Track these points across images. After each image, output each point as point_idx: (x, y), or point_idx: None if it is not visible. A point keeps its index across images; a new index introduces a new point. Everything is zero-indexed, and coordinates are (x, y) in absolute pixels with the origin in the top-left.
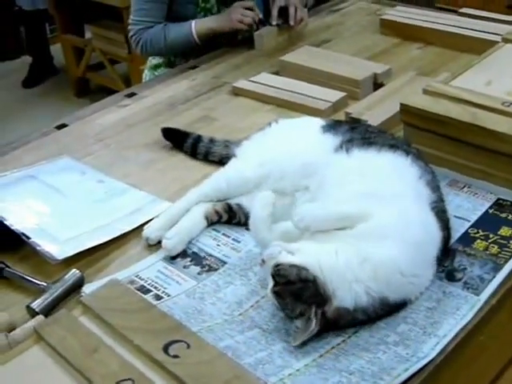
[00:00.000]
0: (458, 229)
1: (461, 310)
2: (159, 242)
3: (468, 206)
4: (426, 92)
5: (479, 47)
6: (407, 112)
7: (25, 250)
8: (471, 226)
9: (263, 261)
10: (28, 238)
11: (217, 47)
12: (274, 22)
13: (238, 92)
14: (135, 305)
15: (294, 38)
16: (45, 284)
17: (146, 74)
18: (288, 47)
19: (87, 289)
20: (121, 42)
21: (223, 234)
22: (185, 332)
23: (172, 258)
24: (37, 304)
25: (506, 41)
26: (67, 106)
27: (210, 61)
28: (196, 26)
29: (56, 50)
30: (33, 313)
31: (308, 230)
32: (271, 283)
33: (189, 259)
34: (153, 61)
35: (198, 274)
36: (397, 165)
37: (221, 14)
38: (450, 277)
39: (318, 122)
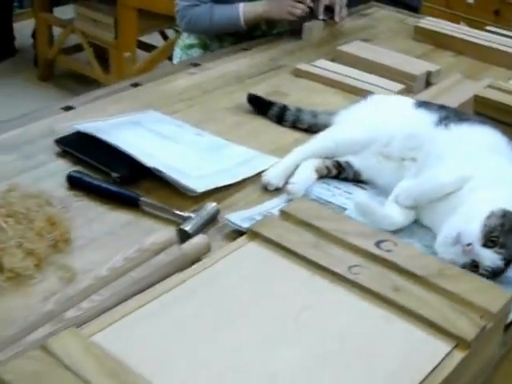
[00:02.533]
0: None
1: None
2: (275, 190)
3: None
4: (491, 87)
5: (509, 62)
6: (480, 103)
7: (143, 185)
8: None
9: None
10: (160, 172)
11: (251, 37)
12: (321, 17)
13: (300, 74)
14: (331, 214)
15: (336, 34)
16: (185, 214)
17: (177, 54)
18: (333, 41)
19: (230, 217)
20: (108, 25)
21: (334, 187)
22: (387, 234)
23: None
24: (189, 227)
25: None
26: (29, 89)
27: (260, 45)
28: (244, 10)
29: (21, 28)
30: (184, 235)
31: (408, 205)
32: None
33: None
34: (186, 40)
35: None
36: (491, 136)
37: (271, 1)
38: None
39: (409, 99)
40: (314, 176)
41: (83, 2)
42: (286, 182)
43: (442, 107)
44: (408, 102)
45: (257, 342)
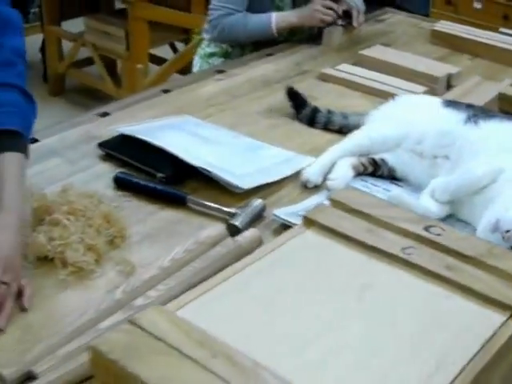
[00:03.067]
0: None
1: None
2: (314, 187)
3: None
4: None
5: None
6: (505, 101)
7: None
8: None
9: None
10: (206, 171)
11: (273, 43)
12: (340, 22)
13: (325, 78)
14: (378, 202)
15: (355, 39)
16: (232, 210)
17: (197, 62)
18: (352, 46)
19: (277, 212)
20: (119, 38)
21: (372, 184)
22: (434, 220)
23: None
24: (239, 222)
25: None
26: (40, 105)
27: (283, 51)
28: (277, 20)
29: (28, 43)
30: (234, 230)
31: (444, 200)
32: None
33: None
34: (206, 49)
35: None
36: None
37: (301, 9)
38: None
39: (437, 99)
40: (352, 173)
41: (93, 15)
42: (325, 179)
43: (468, 106)
44: (436, 101)
45: (326, 318)
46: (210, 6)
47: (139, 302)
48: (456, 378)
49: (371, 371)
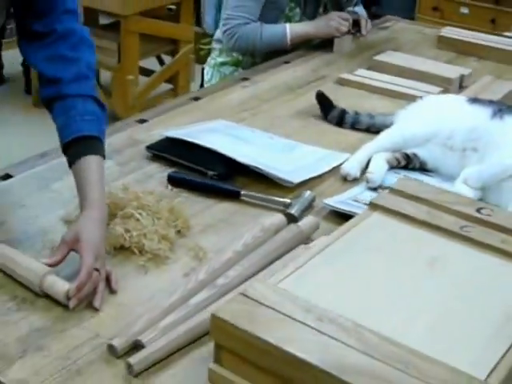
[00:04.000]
0: None
1: None
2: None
3: None
4: None
5: None
6: None
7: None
8: None
9: None
10: (257, 168)
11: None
12: (351, 31)
13: (343, 82)
14: (432, 189)
15: (363, 46)
16: (287, 200)
17: (208, 72)
18: (362, 52)
19: (328, 201)
20: (112, 51)
21: (404, 176)
22: (483, 203)
23: (373, 190)
24: (294, 210)
25: None
26: (21, 117)
27: (299, 58)
28: (291, 30)
29: (9, 56)
30: (290, 218)
31: (477, 186)
32: None
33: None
34: (218, 59)
35: None
36: None
37: (317, 21)
38: None
39: (462, 97)
40: (387, 166)
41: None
42: (363, 173)
43: (491, 102)
44: (461, 99)
45: (405, 284)
46: (226, 16)
47: (220, 281)
48: None
49: (450, 325)
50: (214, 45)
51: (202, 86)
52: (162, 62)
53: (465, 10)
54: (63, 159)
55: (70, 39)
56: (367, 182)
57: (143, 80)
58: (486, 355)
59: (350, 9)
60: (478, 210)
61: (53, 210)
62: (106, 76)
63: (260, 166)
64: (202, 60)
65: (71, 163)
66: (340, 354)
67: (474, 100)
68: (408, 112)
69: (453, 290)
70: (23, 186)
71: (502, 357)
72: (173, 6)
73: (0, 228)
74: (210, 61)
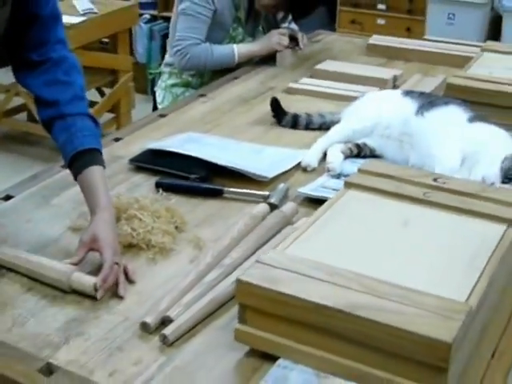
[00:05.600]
0: None
1: None
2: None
3: None
4: (458, 77)
5: (450, 61)
6: (451, 89)
7: (216, 182)
8: None
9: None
10: (234, 167)
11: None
12: (290, 45)
13: (292, 91)
14: (394, 168)
15: (302, 58)
16: (266, 193)
17: (160, 94)
18: (302, 63)
19: (301, 190)
20: None
21: (360, 163)
22: (437, 174)
23: (336, 177)
24: (274, 200)
25: (483, 50)
26: None
27: (247, 74)
28: (239, 50)
29: None
30: (272, 207)
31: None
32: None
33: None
34: (168, 81)
35: None
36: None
37: (261, 40)
38: None
39: (397, 91)
40: (342, 156)
41: None
42: (320, 164)
43: (421, 94)
44: (396, 92)
45: (388, 241)
46: (177, 37)
47: (226, 261)
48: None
49: (431, 266)
50: (164, 68)
51: (154, 108)
52: (102, 93)
53: (381, 21)
54: (56, 177)
55: (63, 65)
56: (328, 170)
57: None
58: (463, 284)
59: (286, 25)
60: (435, 180)
61: (58, 221)
62: None
63: (237, 166)
64: (140, 89)
65: (77, 174)
66: (349, 297)
67: (407, 93)
68: (353, 107)
69: (427, 241)
70: (25, 204)
71: (476, 283)
72: (106, 40)
73: (14, 240)
74: (161, 84)
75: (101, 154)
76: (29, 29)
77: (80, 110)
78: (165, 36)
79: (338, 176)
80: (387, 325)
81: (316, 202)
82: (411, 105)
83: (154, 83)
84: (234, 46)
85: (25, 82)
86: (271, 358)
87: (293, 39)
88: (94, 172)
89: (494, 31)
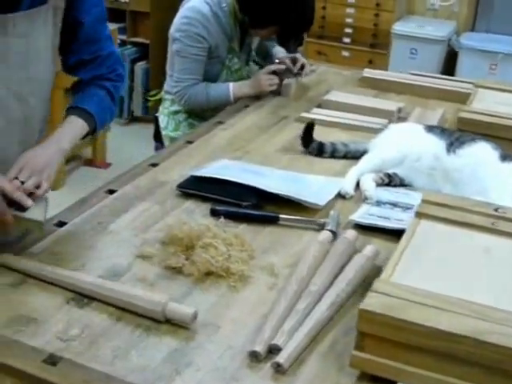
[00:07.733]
0: None
1: None
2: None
3: None
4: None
5: (441, 95)
6: (463, 123)
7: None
8: None
9: None
10: (285, 195)
11: None
12: (294, 71)
13: (304, 120)
14: (455, 198)
15: (304, 88)
16: (322, 220)
17: (163, 120)
18: (305, 93)
19: (353, 217)
20: None
21: (394, 192)
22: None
23: (376, 205)
24: (333, 227)
25: (477, 86)
26: None
27: (255, 102)
28: (234, 90)
29: None
30: (333, 234)
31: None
32: None
33: (387, 204)
34: (171, 108)
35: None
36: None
37: (251, 81)
38: None
39: (419, 125)
40: (374, 184)
41: None
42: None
43: (443, 130)
44: (419, 127)
45: (474, 269)
46: (175, 79)
47: (312, 288)
48: None
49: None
50: (165, 95)
51: (156, 131)
52: None
53: (346, 53)
54: (105, 202)
55: (109, 62)
56: (365, 198)
57: None
58: None
59: (282, 54)
60: (496, 210)
61: (122, 249)
62: None
63: (289, 194)
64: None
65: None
66: (471, 324)
67: (430, 128)
68: (380, 139)
69: (504, 268)
70: (83, 231)
71: None
72: None
73: (86, 268)
74: (163, 110)
75: (94, 120)
76: (78, 33)
77: (103, 84)
78: (134, 60)
79: (378, 203)
80: None
81: (364, 228)
82: (439, 141)
83: (122, 103)
84: (230, 85)
85: (75, 75)
86: (383, 382)
87: (295, 62)
88: (71, 121)
89: (449, 65)
